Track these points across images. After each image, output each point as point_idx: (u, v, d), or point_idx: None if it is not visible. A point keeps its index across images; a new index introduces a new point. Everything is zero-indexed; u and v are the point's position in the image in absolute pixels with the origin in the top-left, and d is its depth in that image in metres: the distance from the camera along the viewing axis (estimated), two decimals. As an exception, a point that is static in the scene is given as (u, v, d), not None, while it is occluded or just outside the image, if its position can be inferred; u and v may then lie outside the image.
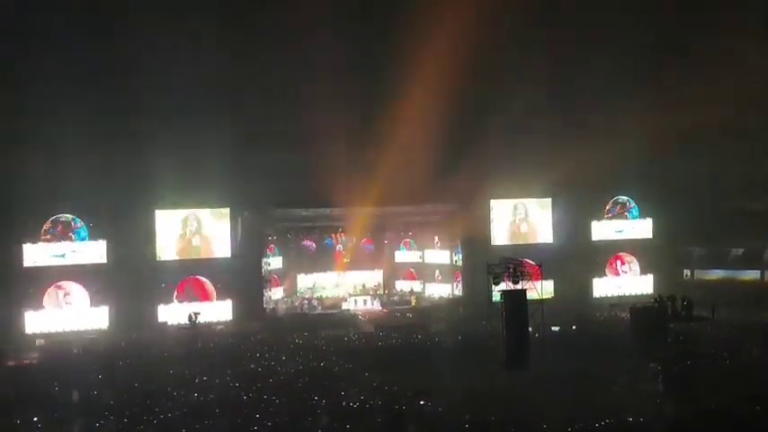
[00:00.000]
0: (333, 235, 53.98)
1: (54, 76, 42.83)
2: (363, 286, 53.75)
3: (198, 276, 45.63)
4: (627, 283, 51.43)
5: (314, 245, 54.47)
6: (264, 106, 47.85)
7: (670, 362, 27.62)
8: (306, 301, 50.72)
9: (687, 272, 53.85)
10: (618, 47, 49.38)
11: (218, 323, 44.63)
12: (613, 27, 49.29)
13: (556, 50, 48.73)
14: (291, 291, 52.49)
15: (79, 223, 43.45)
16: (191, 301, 44.50)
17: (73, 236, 43.29)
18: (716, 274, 53.18)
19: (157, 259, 45.17)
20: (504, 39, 47.66)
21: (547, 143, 47.57)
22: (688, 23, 49.71)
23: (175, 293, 44.79)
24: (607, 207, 51.74)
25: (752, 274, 52.21)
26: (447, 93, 44.84)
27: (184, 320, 42.61)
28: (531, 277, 33.06)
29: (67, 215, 43.36)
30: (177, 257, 45.56)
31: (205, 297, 45.36)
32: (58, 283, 42.91)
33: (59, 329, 42.21)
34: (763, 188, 50.56)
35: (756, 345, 32.39)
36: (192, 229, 45.76)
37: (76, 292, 43.15)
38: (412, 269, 55.21)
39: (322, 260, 54.03)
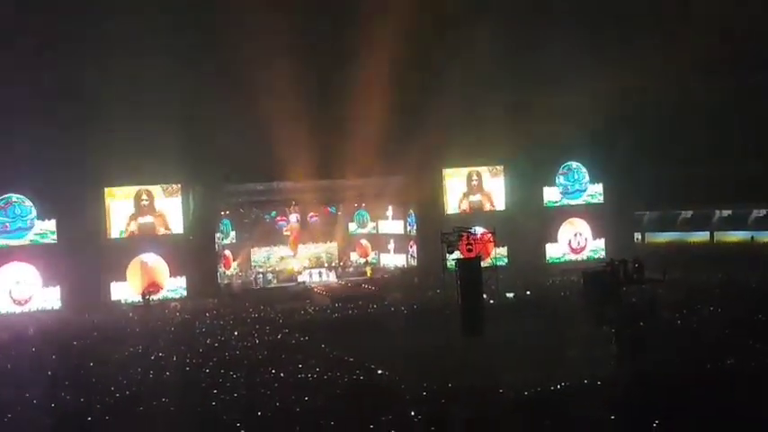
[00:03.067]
0: (286, 208, 53.50)
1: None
2: (318, 258, 53.54)
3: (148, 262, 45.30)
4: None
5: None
6: (214, 81, 47.36)
7: (623, 324, 27.96)
8: (261, 275, 50.42)
9: (638, 235, 54.63)
10: (568, 18, 49.77)
11: (173, 300, 44.39)
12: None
13: (508, 21, 48.84)
14: (246, 265, 52.12)
15: (28, 203, 42.82)
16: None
17: (22, 215, 42.69)
18: (666, 237, 54.08)
19: (109, 237, 44.73)
20: (454, 9, 47.80)
21: (498, 112, 47.66)
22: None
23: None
24: (558, 172, 52.07)
25: (701, 236, 53.21)
26: (396, 65, 44.83)
27: (138, 298, 42.49)
28: (484, 245, 33.34)
29: (16, 195, 42.69)
30: (129, 235, 45.15)
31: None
32: (9, 264, 42.39)
33: (11, 311, 41.78)
34: (709, 153, 51.35)
35: (707, 305, 32.98)
36: (143, 206, 45.30)
37: (28, 272, 42.59)
38: (365, 241, 55.01)
39: (276, 234, 53.60)
